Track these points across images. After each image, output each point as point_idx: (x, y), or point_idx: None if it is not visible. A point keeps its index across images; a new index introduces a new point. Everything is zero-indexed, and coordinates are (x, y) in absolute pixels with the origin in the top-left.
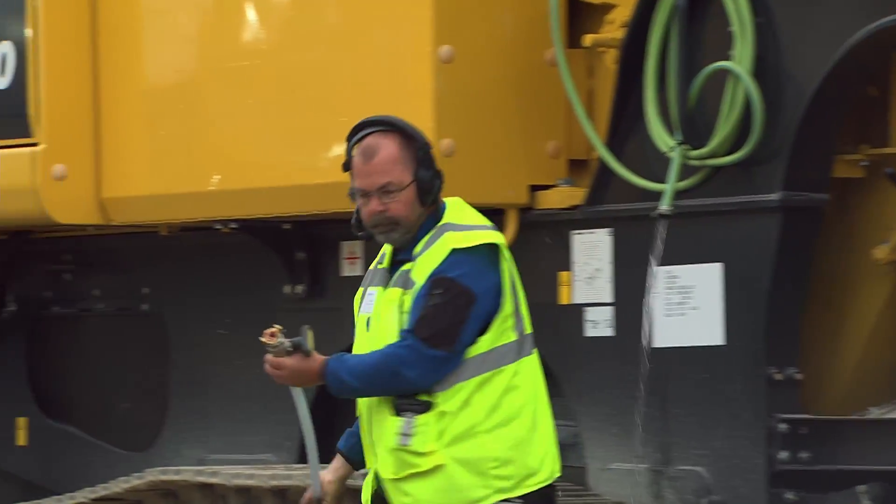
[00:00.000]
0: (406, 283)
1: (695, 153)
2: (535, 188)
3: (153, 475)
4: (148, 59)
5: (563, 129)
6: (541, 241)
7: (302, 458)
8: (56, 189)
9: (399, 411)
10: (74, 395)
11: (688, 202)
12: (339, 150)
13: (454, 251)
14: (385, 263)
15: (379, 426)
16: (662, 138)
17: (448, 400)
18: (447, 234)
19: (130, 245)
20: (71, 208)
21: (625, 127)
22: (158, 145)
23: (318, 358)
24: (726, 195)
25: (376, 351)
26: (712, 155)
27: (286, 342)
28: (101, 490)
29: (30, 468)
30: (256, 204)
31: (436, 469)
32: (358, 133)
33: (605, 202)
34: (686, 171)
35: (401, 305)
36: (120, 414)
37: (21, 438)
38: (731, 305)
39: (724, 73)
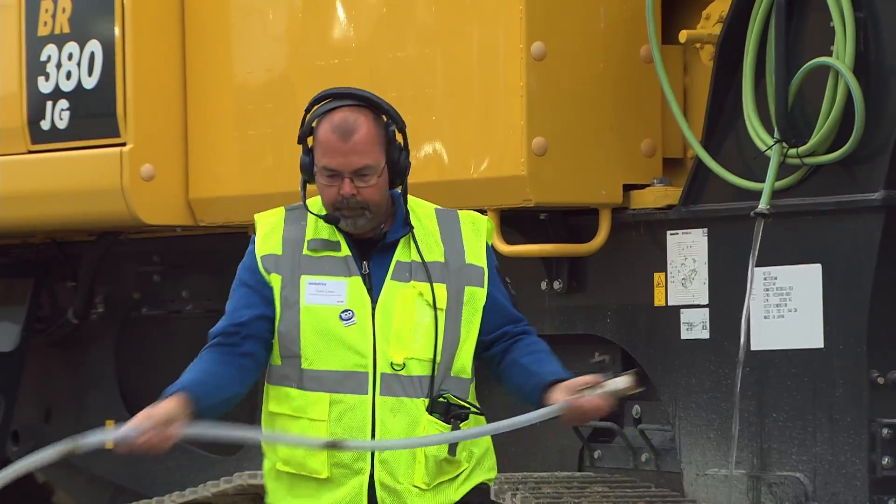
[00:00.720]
0: (470, 276)
1: (793, 151)
2: (628, 187)
3: (242, 479)
4: (237, 57)
5: (657, 127)
6: (635, 242)
7: None
8: (144, 189)
9: (450, 418)
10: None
11: (786, 201)
12: (430, 149)
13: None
14: (344, 251)
15: (407, 435)
16: (760, 136)
17: (474, 401)
18: (465, 215)
19: (219, 246)
20: (159, 209)
21: (721, 125)
22: (247, 145)
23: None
24: (826, 194)
25: (537, 342)
26: (812, 153)
27: (609, 382)
28: (189, 494)
29: (118, 471)
30: None
31: (463, 473)
32: (323, 103)
33: (701, 202)
34: (784, 170)
35: (434, 300)
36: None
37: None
38: (830, 307)
39: (825, 69)
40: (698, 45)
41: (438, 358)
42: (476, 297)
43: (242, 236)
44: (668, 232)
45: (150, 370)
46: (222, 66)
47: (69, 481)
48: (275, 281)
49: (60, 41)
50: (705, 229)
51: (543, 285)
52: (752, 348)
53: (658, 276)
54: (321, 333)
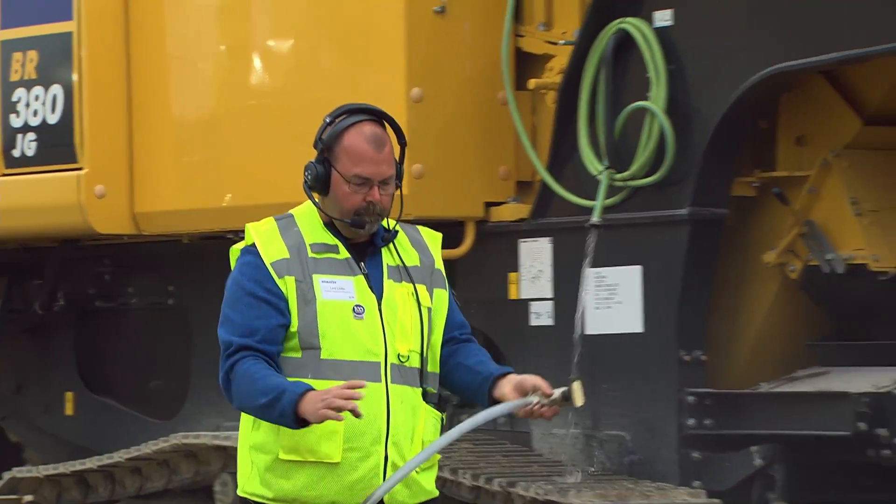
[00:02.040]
0: (434, 280)
1: (619, 176)
2: (489, 204)
3: (177, 439)
4: (173, 98)
5: (512, 156)
6: (494, 247)
7: None
8: (97, 205)
9: (439, 407)
10: (113, 374)
11: (613, 216)
12: None
13: None
14: (343, 253)
15: (411, 421)
16: (593, 164)
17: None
18: (420, 227)
19: (159, 251)
20: (110, 221)
21: (562, 154)
22: (183, 169)
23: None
24: (645, 210)
25: (480, 349)
26: (633, 177)
27: (557, 393)
28: (134, 451)
29: (76, 434)
30: (263, 217)
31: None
32: (349, 115)
33: (547, 216)
34: (612, 191)
35: (418, 299)
36: (151, 389)
37: (69, 409)
38: (648, 300)
39: (643, 110)
40: (544, 91)
41: (425, 352)
42: (443, 300)
43: (178, 243)
44: (521, 240)
45: (103, 352)
46: (162, 106)
47: (37, 441)
48: (289, 282)
49: (29, 85)
50: (550, 238)
51: None
52: (587, 333)
53: (512, 276)
54: (339, 326)
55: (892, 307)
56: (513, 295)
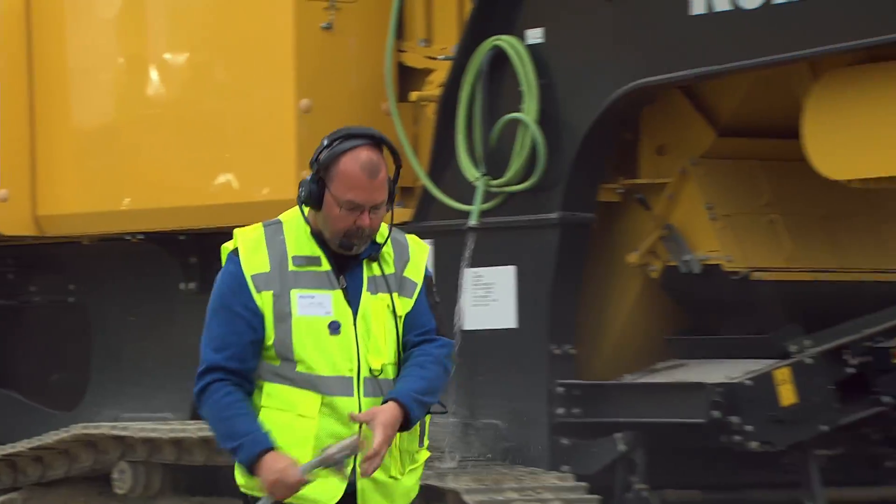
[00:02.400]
0: (404, 287)
1: (494, 182)
2: None
3: (77, 430)
4: (75, 106)
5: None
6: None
7: (195, 416)
8: (1, 209)
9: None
10: (16, 368)
11: (490, 219)
12: (224, 180)
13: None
14: (325, 266)
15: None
16: (470, 171)
17: None
18: (413, 239)
19: (60, 251)
20: (13, 223)
21: (442, 162)
22: (83, 174)
23: (390, 406)
24: (518, 214)
25: (424, 360)
26: (507, 183)
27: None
28: (36, 441)
29: None
30: (159, 220)
31: (420, 459)
32: (346, 140)
33: (428, 219)
34: (488, 196)
35: (394, 308)
36: (52, 383)
37: None
38: (522, 298)
39: (516, 122)
40: (424, 103)
41: (398, 360)
42: (403, 306)
43: (78, 244)
44: None
45: (6, 348)
46: (63, 114)
47: None
48: (266, 298)
49: None
50: (431, 240)
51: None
52: (465, 328)
53: None
54: (314, 342)
55: (744, 304)
56: None
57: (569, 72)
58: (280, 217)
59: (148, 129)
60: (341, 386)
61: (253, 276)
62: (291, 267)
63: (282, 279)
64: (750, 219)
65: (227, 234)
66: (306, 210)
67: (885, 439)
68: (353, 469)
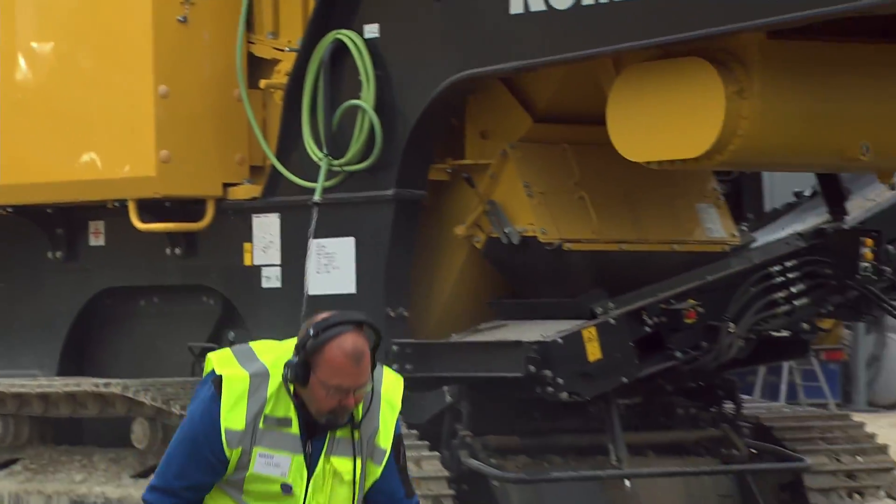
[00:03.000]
0: (374, 455)
1: (336, 162)
2: (227, 185)
3: None
4: None
5: (246, 144)
6: (231, 221)
7: (61, 372)
8: None
9: None
10: None
11: (332, 195)
12: (88, 158)
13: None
14: (294, 429)
15: None
16: (314, 152)
17: None
18: (387, 391)
19: None
20: None
21: (288, 144)
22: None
23: None
24: (358, 191)
25: None
26: (348, 163)
27: None
28: None
29: None
30: (27, 194)
31: None
32: (332, 329)
33: (276, 195)
34: (330, 175)
35: (355, 473)
36: None
37: None
38: (360, 266)
39: (356, 108)
40: (273, 90)
41: None
42: (373, 473)
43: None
44: (254, 215)
45: None
46: None
47: None
48: (235, 453)
49: None
50: (279, 213)
51: (168, 251)
52: (310, 293)
53: (247, 245)
54: (264, 489)
55: (556, 272)
56: (247, 262)
57: (402, 63)
58: (269, 366)
59: (18, 112)
60: None
61: (227, 431)
62: (261, 425)
63: (250, 437)
64: (562, 196)
65: (90, 208)
66: (292, 387)
67: (677, 390)
68: None
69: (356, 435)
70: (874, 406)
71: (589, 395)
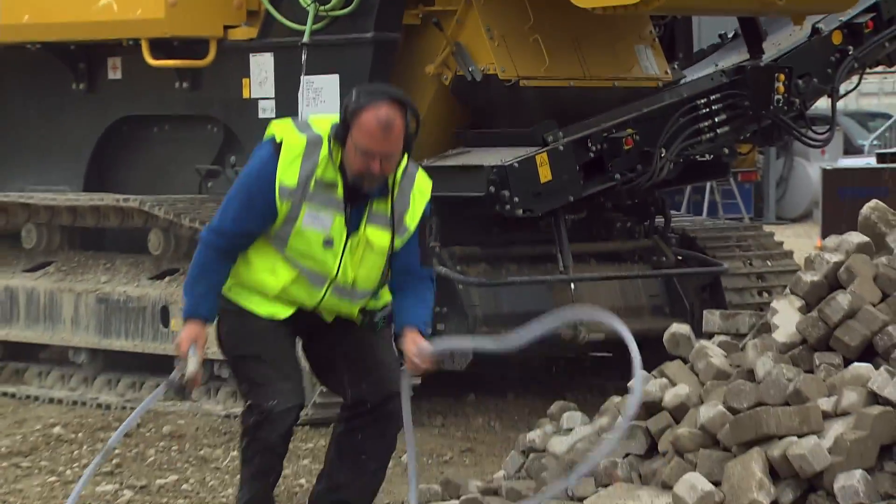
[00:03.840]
0: (399, 230)
1: (323, 7)
2: (227, 27)
3: None
4: None
5: None
6: (232, 59)
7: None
8: None
9: (368, 319)
10: None
11: (319, 37)
12: (106, 1)
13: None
14: (339, 193)
15: (346, 307)
16: None
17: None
18: (419, 182)
19: None
20: None
21: None
22: None
23: (413, 335)
24: (341, 33)
25: (424, 291)
26: (333, 9)
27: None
28: None
29: None
30: (53, 32)
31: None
32: (372, 96)
33: (270, 37)
34: (317, 19)
35: (383, 243)
36: None
37: None
38: (343, 97)
39: None
40: None
41: (375, 284)
42: (397, 245)
43: None
44: (251, 54)
45: None
46: None
47: None
48: (283, 205)
49: None
50: (272, 53)
51: (176, 85)
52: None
53: (245, 80)
54: (306, 247)
55: (513, 105)
56: (245, 95)
57: None
58: (321, 133)
59: None
60: (316, 278)
61: (280, 186)
62: (311, 188)
63: (301, 194)
64: (518, 38)
65: (108, 46)
66: (336, 156)
67: (615, 206)
68: (322, 296)
69: (389, 209)
70: (781, 219)
71: (540, 212)
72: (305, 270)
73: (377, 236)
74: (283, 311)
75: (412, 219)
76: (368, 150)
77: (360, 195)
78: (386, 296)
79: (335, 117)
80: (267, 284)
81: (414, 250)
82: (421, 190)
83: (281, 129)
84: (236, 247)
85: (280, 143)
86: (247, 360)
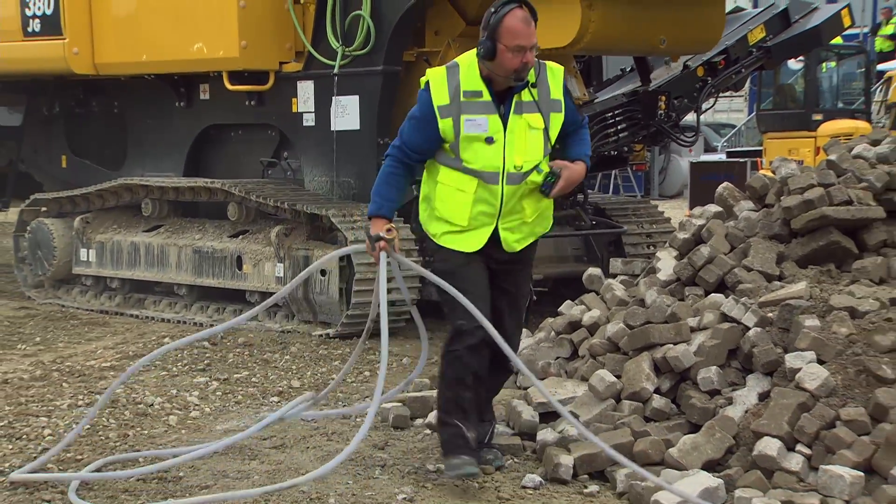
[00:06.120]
0: (552, 106)
1: (348, 49)
2: (281, 63)
3: (121, 181)
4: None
5: (293, 38)
6: (285, 84)
7: (185, 174)
8: (74, 59)
9: (542, 188)
10: (87, 146)
11: (345, 70)
12: (198, 46)
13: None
14: (486, 97)
15: (518, 205)
16: (334, 43)
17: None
18: (549, 67)
19: (108, 83)
20: (81, 67)
21: (318, 37)
22: (119, 38)
23: (578, 163)
24: (361, 67)
25: (584, 133)
26: (354, 50)
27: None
28: (98, 187)
29: (68, 178)
30: (162, 67)
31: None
32: (505, 6)
33: (311, 69)
34: (344, 57)
35: (538, 124)
36: (106, 154)
37: (63, 164)
38: (362, 113)
39: (358, 16)
40: (308, 4)
41: (538, 160)
42: (556, 119)
43: (118, 79)
44: (298, 81)
45: (81, 135)
46: (106, 3)
47: (48, 180)
48: (445, 122)
49: None
50: (313, 81)
51: (247, 103)
52: (333, 129)
53: (294, 100)
54: (474, 150)
55: None
56: (294, 109)
57: None
58: (457, 59)
59: (156, 14)
60: (491, 177)
61: (439, 107)
62: (462, 98)
63: (456, 107)
64: None
65: (200, 76)
66: (483, 63)
67: None
68: (496, 223)
69: (535, 94)
70: (663, 196)
71: None
72: (480, 173)
73: (532, 119)
74: (474, 242)
75: (556, 91)
76: (520, 45)
77: (507, 94)
78: (545, 167)
79: (467, 53)
80: (458, 212)
81: (570, 108)
82: (552, 69)
83: (427, 73)
84: (413, 160)
85: (428, 82)
86: (449, 285)
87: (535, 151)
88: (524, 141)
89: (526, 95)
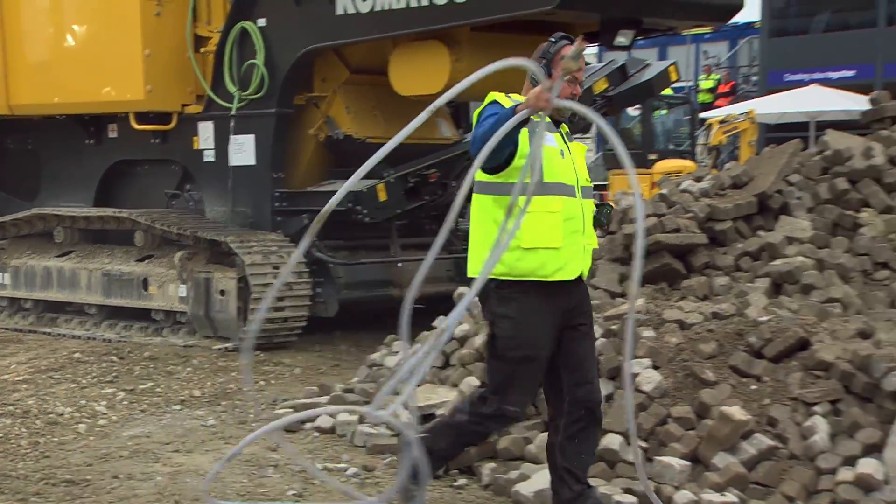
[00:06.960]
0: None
1: (244, 94)
2: (184, 105)
3: (34, 210)
4: (26, 45)
5: (194, 83)
6: (186, 126)
7: (95, 205)
8: None
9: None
10: (3, 180)
11: (242, 112)
12: (107, 89)
13: None
14: (548, 119)
15: (589, 217)
16: (231, 88)
17: None
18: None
19: (23, 122)
20: None
21: (217, 83)
22: (32, 81)
23: None
24: (256, 109)
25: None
26: (250, 95)
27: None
28: (12, 216)
29: None
30: (71, 108)
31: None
32: (560, 40)
33: (211, 111)
34: (241, 100)
35: (582, 149)
36: (22, 187)
37: None
38: (258, 150)
39: (253, 64)
40: (208, 53)
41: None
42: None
43: (32, 118)
44: (199, 122)
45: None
46: (18, 50)
47: None
48: (523, 132)
49: None
50: (213, 121)
51: (152, 141)
52: (232, 164)
53: (195, 138)
54: (550, 164)
55: (361, 155)
56: (196, 146)
57: (279, 40)
58: (512, 96)
59: (68, 60)
60: (570, 190)
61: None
62: (534, 118)
63: (530, 124)
64: (366, 113)
65: (109, 116)
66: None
67: (427, 215)
68: (581, 205)
69: (566, 127)
70: None
71: (380, 219)
72: (561, 186)
73: (576, 146)
74: (569, 270)
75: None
76: (574, 75)
77: (556, 122)
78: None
79: (516, 97)
80: (550, 233)
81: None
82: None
83: (491, 94)
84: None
85: (495, 100)
86: (513, 361)
87: (586, 171)
88: (581, 160)
89: (564, 126)
